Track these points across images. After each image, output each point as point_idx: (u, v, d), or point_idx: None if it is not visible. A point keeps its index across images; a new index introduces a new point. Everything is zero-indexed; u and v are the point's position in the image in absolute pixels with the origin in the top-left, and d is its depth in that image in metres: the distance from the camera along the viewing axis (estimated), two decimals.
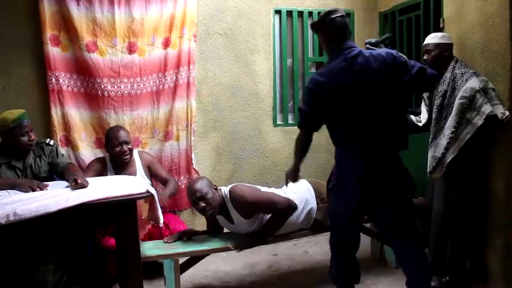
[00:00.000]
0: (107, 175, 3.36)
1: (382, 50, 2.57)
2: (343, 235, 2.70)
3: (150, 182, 3.51)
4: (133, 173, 3.45)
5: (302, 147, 2.71)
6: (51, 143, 3.07)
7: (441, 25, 3.57)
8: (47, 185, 2.63)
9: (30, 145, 2.91)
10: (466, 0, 3.34)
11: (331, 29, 2.55)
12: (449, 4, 3.53)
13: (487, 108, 2.90)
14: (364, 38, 4.61)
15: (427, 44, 3.16)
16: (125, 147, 3.39)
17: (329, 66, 2.60)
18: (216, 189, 3.07)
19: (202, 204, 2.97)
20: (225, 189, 3.11)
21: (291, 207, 3.08)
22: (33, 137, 2.91)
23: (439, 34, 3.20)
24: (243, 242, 3.07)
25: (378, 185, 2.54)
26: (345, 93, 2.50)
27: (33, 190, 2.52)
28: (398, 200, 2.55)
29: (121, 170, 3.42)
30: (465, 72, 3.04)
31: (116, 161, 3.42)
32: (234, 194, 3.04)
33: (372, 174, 2.53)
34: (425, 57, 3.16)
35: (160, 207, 2.82)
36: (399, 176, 2.58)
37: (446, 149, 2.99)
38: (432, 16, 3.81)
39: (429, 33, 3.36)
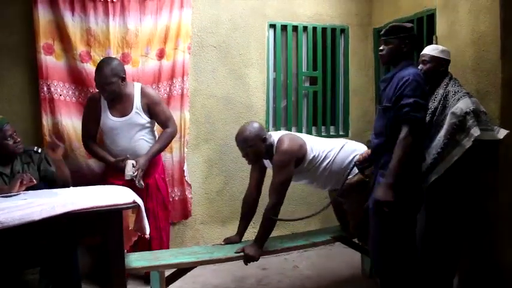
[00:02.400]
0: (100, 111, 3.40)
1: None
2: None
3: (148, 119, 3.50)
4: (128, 109, 3.41)
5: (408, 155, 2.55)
6: (39, 150, 3.08)
7: (434, 42, 3.59)
8: (33, 181, 2.70)
9: (16, 147, 2.93)
10: (458, 18, 3.38)
11: (412, 41, 2.72)
12: (442, 22, 3.56)
13: (476, 131, 2.82)
14: (358, 53, 4.71)
15: (425, 55, 3.06)
16: (106, 88, 3.32)
17: (414, 68, 2.69)
18: (264, 139, 3.10)
19: (243, 153, 3.14)
20: (275, 136, 3.17)
21: (276, 208, 3.06)
22: (18, 139, 2.94)
23: (440, 47, 3.09)
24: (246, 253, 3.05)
25: None
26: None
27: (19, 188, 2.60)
28: None
29: (115, 104, 3.41)
30: (458, 91, 2.95)
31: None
32: (278, 145, 3.10)
33: None
34: (420, 66, 3.03)
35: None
36: None
37: (429, 169, 2.90)
38: (425, 33, 3.84)
39: (421, 50, 3.33)
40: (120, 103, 3.41)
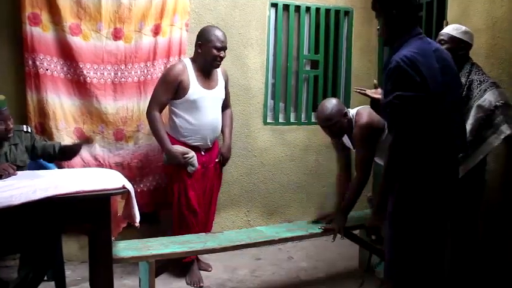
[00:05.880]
0: (188, 82, 3.27)
1: None
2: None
3: (224, 96, 3.51)
4: (215, 84, 3.41)
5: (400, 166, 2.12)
6: (29, 130, 2.90)
7: (444, 27, 3.41)
8: (15, 172, 2.46)
9: (6, 134, 2.70)
10: (472, 2, 3.21)
11: (404, 9, 2.17)
12: (454, 6, 3.39)
13: (507, 129, 2.56)
14: (362, 38, 4.51)
15: (443, 34, 2.76)
16: (222, 54, 3.32)
17: (415, 44, 2.11)
18: (345, 114, 3.02)
19: (326, 131, 3.07)
20: (353, 110, 3.08)
21: (361, 184, 3.01)
22: (11, 126, 2.70)
23: (463, 28, 2.75)
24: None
25: None
26: (439, 79, 2.07)
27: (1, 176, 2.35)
28: None
29: (204, 76, 3.36)
30: (483, 80, 2.66)
31: (201, 64, 3.34)
32: (357, 119, 3.00)
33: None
34: None
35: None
36: None
37: None
38: (435, 18, 3.66)
39: (431, 35, 3.15)
40: (208, 76, 3.38)
